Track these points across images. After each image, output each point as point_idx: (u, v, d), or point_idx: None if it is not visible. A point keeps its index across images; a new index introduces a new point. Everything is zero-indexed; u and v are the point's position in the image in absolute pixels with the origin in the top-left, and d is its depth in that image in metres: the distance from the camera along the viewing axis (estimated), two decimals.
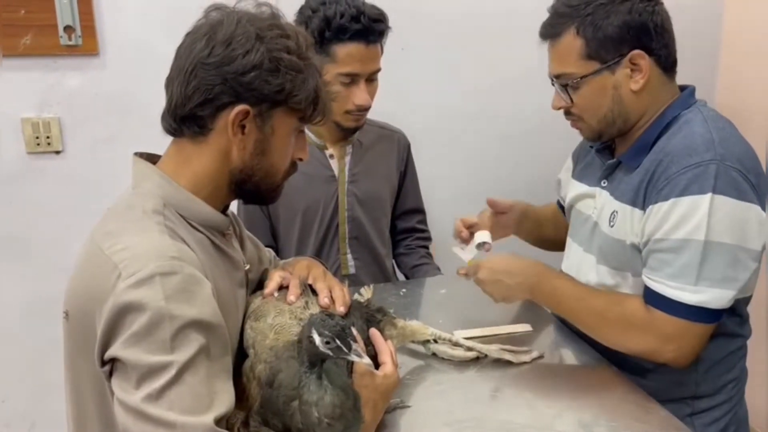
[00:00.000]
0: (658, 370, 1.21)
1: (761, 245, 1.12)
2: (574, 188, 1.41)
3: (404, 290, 1.54)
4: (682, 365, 1.15)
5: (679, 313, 1.10)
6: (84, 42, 1.82)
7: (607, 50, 1.17)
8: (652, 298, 1.13)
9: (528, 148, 2.18)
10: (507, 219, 1.53)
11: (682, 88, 1.25)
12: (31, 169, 1.88)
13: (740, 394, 1.28)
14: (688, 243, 1.08)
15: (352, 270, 1.66)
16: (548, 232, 1.60)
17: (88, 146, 1.90)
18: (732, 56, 2.23)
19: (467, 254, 1.41)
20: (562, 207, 1.60)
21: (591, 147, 1.39)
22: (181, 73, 0.90)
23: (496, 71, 2.12)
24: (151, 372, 0.78)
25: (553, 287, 1.24)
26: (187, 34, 0.92)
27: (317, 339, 0.84)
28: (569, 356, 1.26)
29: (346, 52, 1.45)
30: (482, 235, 1.40)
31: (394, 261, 1.82)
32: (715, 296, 1.08)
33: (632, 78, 1.19)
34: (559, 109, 1.28)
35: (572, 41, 1.19)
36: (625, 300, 1.18)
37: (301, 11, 1.49)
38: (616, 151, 1.32)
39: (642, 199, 1.17)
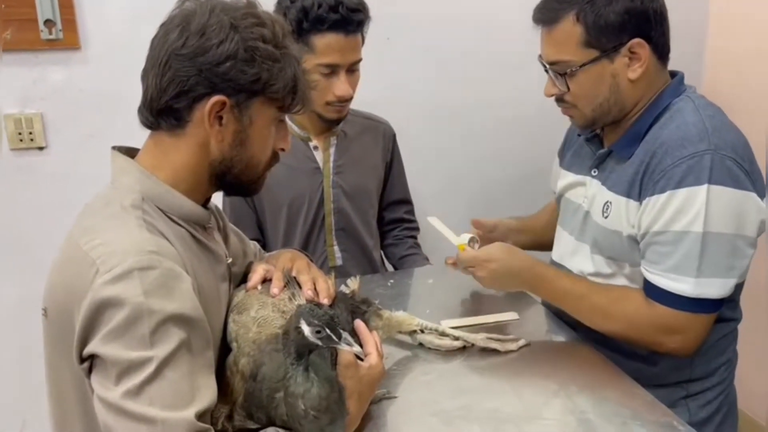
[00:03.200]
0: (653, 356, 1.21)
1: (757, 232, 1.12)
2: (563, 178, 1.41)
3: (392, 281, 1.54)
4: (687, 354, 1.16)
5: (681, 306, 1.10)
6: (65, 36, 1.80)
7: (607, 38, 1.15)
8: (652, 291, 1.13)
9: (515, 139, 2.17)
10: (492, 237, 1.47)
11: (672, 74, 1.24)
12: (14, 165, 1.86)
13: (731, 376, 1.30)
14: (686, 235, 1.08)
15: (339, 262, 1.65)
16: (550, 236, 1.49)
17: (72, 142, 1.88)
18: (719, 38, 2.22)
19: (449, 233, 1.38)
20: None
21: (579, 135, 1.38)
22: (155, 65, 0.88)
23: (484, 61, 2.11)
24: (130, 368, 0.77)
25: (553, 288, 1.24)
26: (162, 25, 0.91)
27: (306, 329, 0.83)
28: (556, 344, 1.26)
29: (325, 42, 1.44)
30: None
31: (382, 252, 1.81)
32: (716, 286, 1.09)
33: (630, 67, 1.17)
34: (552, 96, 1.25)
35: (571, 28, 1.16)
36: (626, 296, 1.18)
37: (279, 1, 1.47)
38: (605, 139, 1.31)
39: (638, 190, 1.16)
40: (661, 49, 1.19)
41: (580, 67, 1.17)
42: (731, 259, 1.09)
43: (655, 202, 1.11)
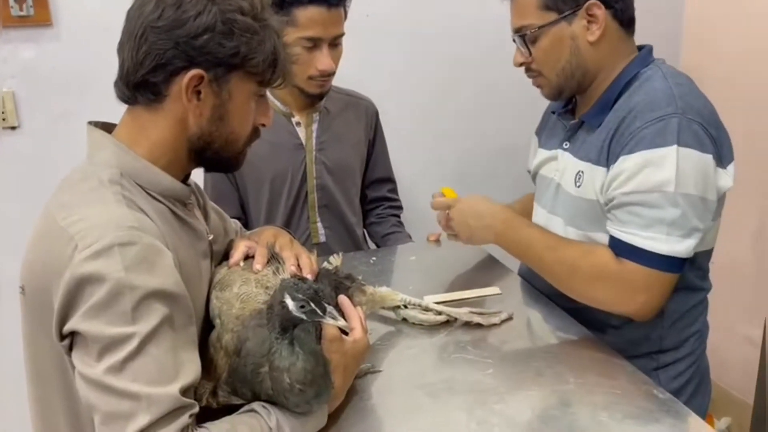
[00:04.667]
0: (624, 327, 1.22)
1: (717, 197, 1.14)
2: (538, 156, 1.42)
3: (374, 258, 1.54)
4: (646, 317, 1.16)
5: (651, 263, 1.11)
6: (36, 12, 1.75)
7: (564, 0, 1.19)
8: (623, 249, 1.14)
9: (496, 117, 2.17)
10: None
11: (640, 48, 1.27)
12: None
13: (703, 347, 1.31)
14: (658, 195, 1.10)
15: (322, 238, 1.65)
16: None
17: (46, 121, 1.84)
18: (697, 16, 2.24)
19: None
20: None
21: (553, 112, 1.40)
22: (131, 37, 0.86)
23: (463, 38, 2.10)
24: (112, 344, 0.76)
25: (520, 235, 1.24)
26: None
27: (291, 303, 0.83)
28: (537, 317, 1.27)
29: (308, 15, 1.42)
30: None
31: (365, 230, 1.81)
32: (684, 246, 1.11)
33: (589, 29, 1.20)
34: (521, 65, 1.29)
35: None
36: (596, 250, 1.18)
37: None
38: (577, 112, 1.33)
39: (606, 156, 1.18)
40: (622, 16, 1.22)
41: (539, 28, 1.21)
42: (696, 220, 1.11)
43: (623, 162, 1.13)
